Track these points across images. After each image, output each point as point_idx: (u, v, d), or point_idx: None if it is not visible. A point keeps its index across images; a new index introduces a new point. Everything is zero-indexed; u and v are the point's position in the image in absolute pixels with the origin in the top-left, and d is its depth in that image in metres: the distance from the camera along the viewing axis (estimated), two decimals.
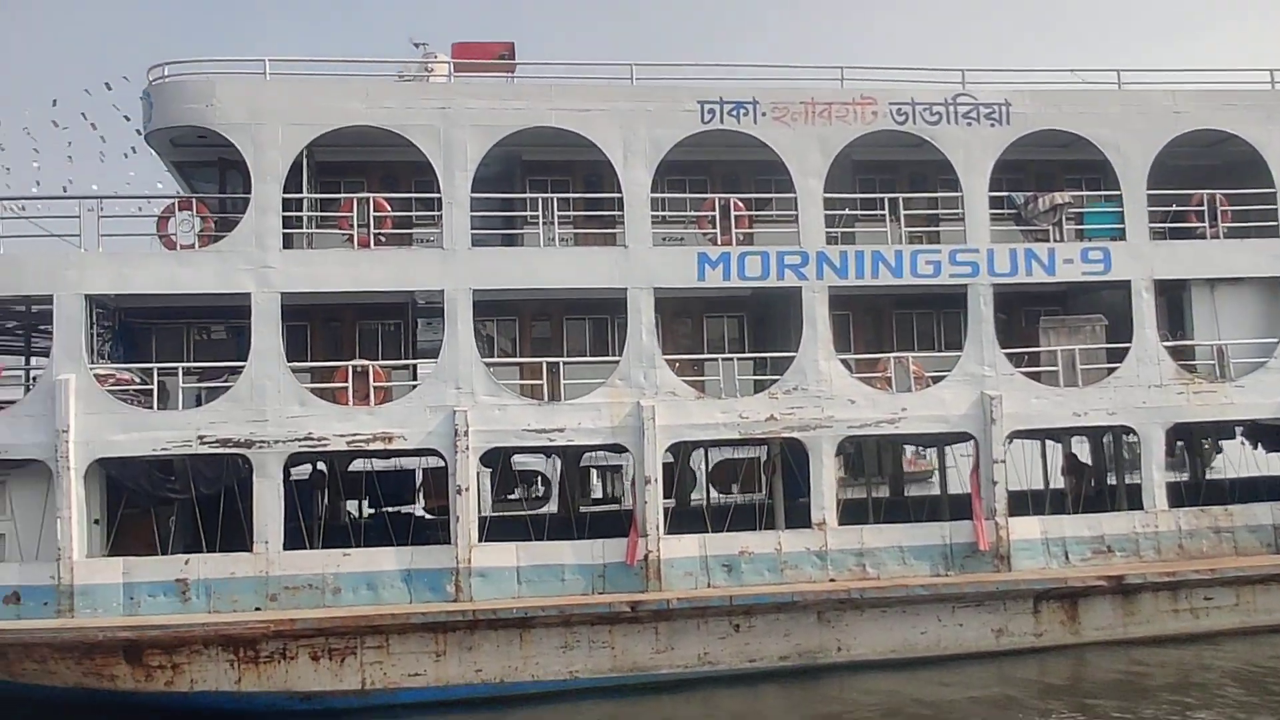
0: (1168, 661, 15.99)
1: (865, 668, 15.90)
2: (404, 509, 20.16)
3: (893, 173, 19.27)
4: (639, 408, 16.10)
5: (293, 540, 15.49)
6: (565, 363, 16.58)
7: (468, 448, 15.66)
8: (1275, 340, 17.88)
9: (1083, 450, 22.53)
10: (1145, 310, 17.51)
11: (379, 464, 19.19)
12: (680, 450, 18.16)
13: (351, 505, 20.46)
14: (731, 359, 16.94)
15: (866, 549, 16.44)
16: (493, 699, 15.07)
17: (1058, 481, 21.60)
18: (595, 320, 18.50)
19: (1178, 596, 16.69)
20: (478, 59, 17.38)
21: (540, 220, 16.57)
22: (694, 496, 22.10)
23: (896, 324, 19.38)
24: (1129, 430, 17.95)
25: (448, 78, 17.04)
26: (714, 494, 21.99)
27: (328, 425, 15.52)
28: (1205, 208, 18.09)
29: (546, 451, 20.11)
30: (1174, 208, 18.26)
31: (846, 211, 17.69)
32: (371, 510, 20.05)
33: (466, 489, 15.61)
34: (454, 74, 17.08)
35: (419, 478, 20.32)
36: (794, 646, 15.86)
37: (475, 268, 16.17)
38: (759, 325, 19.10)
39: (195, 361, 16.62)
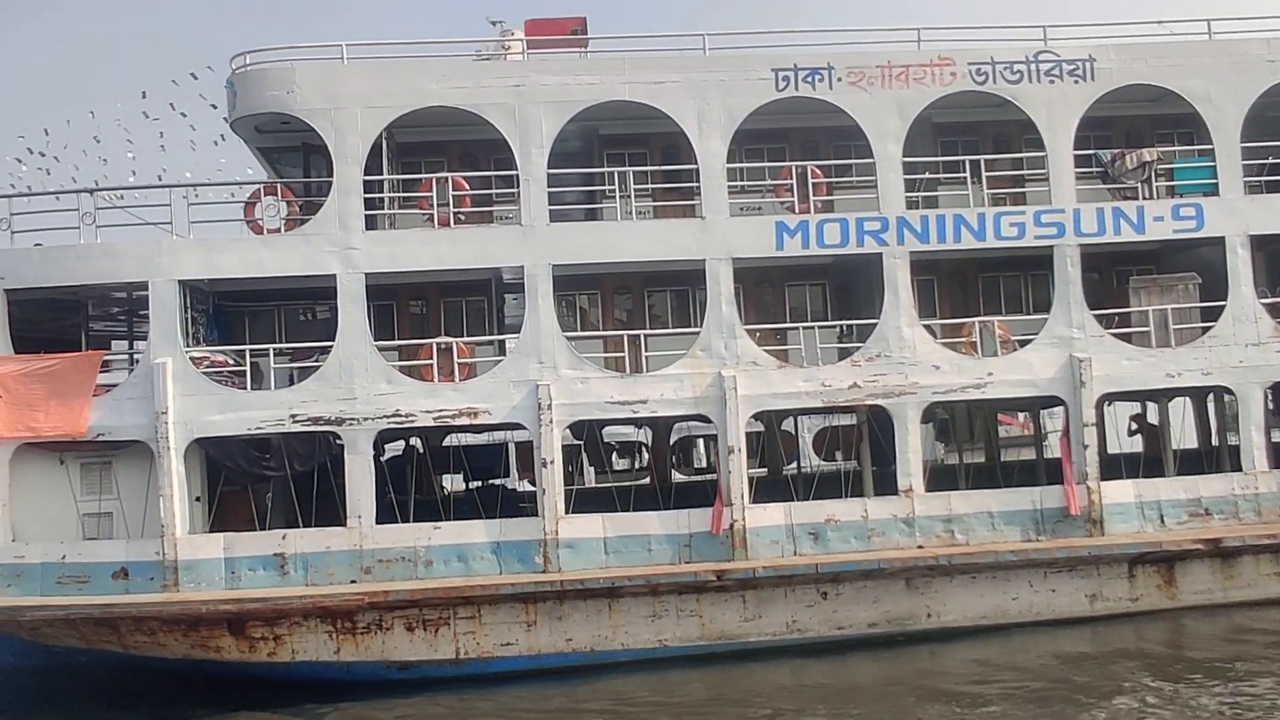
0: (1271, 626, 15.58)
1: (957, 635, 15.78)
2: (496, 482, 20.43)
3: (975, 134, 18.85)
4: (720, 378, 16.09)
5: (391, 514, 15.80)
6: (647, 335, 16.64)
7: (551, 421, 15.82)
8: None
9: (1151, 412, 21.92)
10: (1241, 267, 16.96)
11: (471, 439, 19.46)
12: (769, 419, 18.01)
13: (450, 481, 20.76)
14: (813, 327, 16.81)
15: (955, 515, 16.25)
16: (584, 667, 15.28)
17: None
18: (677, 291, 18.50)
19: (1279, 559, 16.23)
20: (551, 35, 17.42)
21: (616, 194, 16.59)
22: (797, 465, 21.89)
23: (983, 287, 19.02)
24: (1228, 390, 17.42)
25: (521, 55, 17.13)
26: (816, 461, 21.94)
27: (414, 402, 15.79)
28: None
29: (637, 423, 20.13)
30: (1270, 160, 17.61)
31: (927, 175, 17.39)
32: (464, 485, 20.37)
33: (552, 462, 15.77)
34: (527, 51, 17.17)
35: (512, 451, 20.56)
36: (883, 614, 15.78)
37: (554, 243, 16.28)
38: (842, 292, 18.91)
39: (289, 343, 17.04)
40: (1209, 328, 16.96)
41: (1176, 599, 16.14)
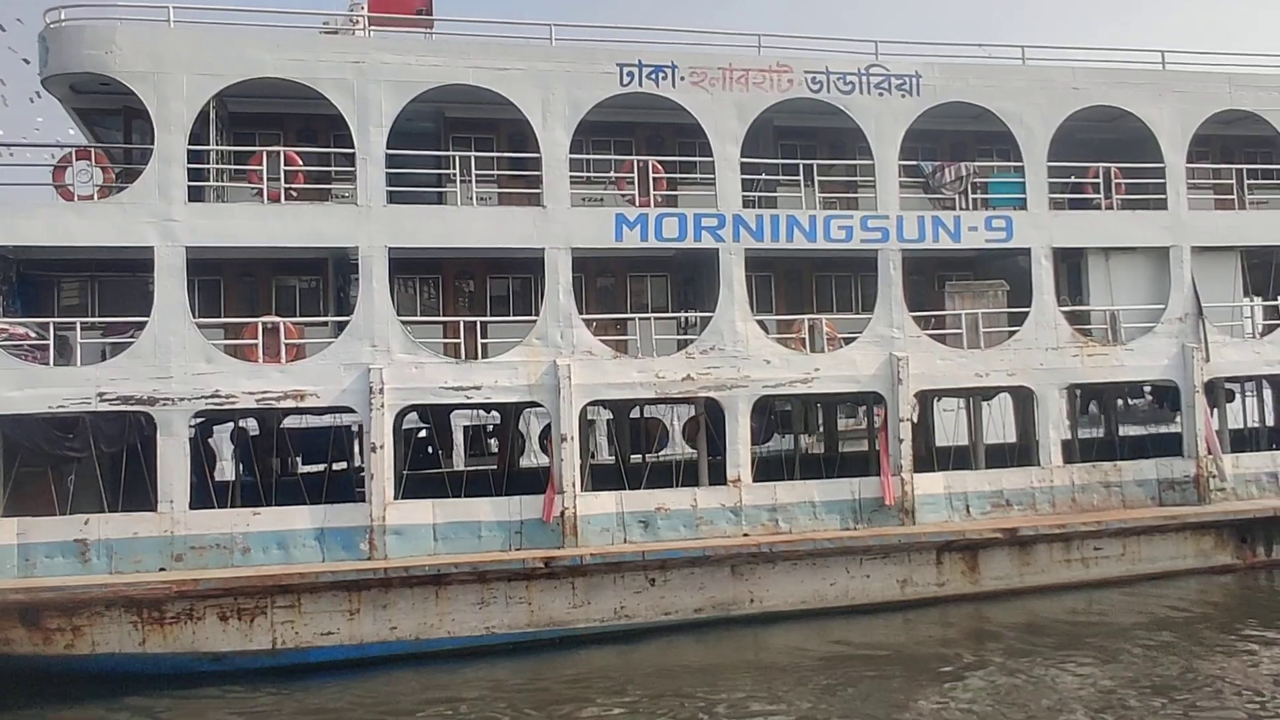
0: (1060, 608, 16.80)
1: (778, 618, 16.33)
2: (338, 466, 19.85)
3: (813, 139, 19.63)
4: (555, 366, 16.17)
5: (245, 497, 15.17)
6: (482, 321, 16.54)
7: (382, 405, 15.52)
8: (1162, 307, 18.86)
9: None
10: (1044, 276, 18.28)
11: (314, 421, 18.84)
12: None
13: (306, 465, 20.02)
14: (649, 318, 17.12)
15: (780, 504, 16.85)
16: (409, 655, 15.03)
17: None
18: (520, 279, 18.47)
19: (1070, 547, 17.52)
20: (396, 13, 17.10)
21: (457, 178, 16.43)
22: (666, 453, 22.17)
23: (817, 286, 19.82)
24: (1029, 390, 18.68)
25: (363, 31, 16.73)
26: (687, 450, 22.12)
27: (235, 383, 15.19)
28: (1101, 180, 18.92)
29: (487, 409, 19.85)
30: (1072, 179, 19.05)
31: (764, 176, 17.98)
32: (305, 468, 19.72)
33: (381, 446, 15.47)
34: (369, 28, 16.78)
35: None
36: (708, 599, 16.19)
37: (390, 225, 15.96)
38: (686, 285, 19.33)
39: (106, 317, 16.08)
40: (1015, 331, 18.21)
41: (979, 584, 17.18)
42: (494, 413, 20.91)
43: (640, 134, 18.77)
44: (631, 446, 21.14)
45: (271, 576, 14.59)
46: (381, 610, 15.03)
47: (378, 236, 15.84)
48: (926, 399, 21.83)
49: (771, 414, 20.17)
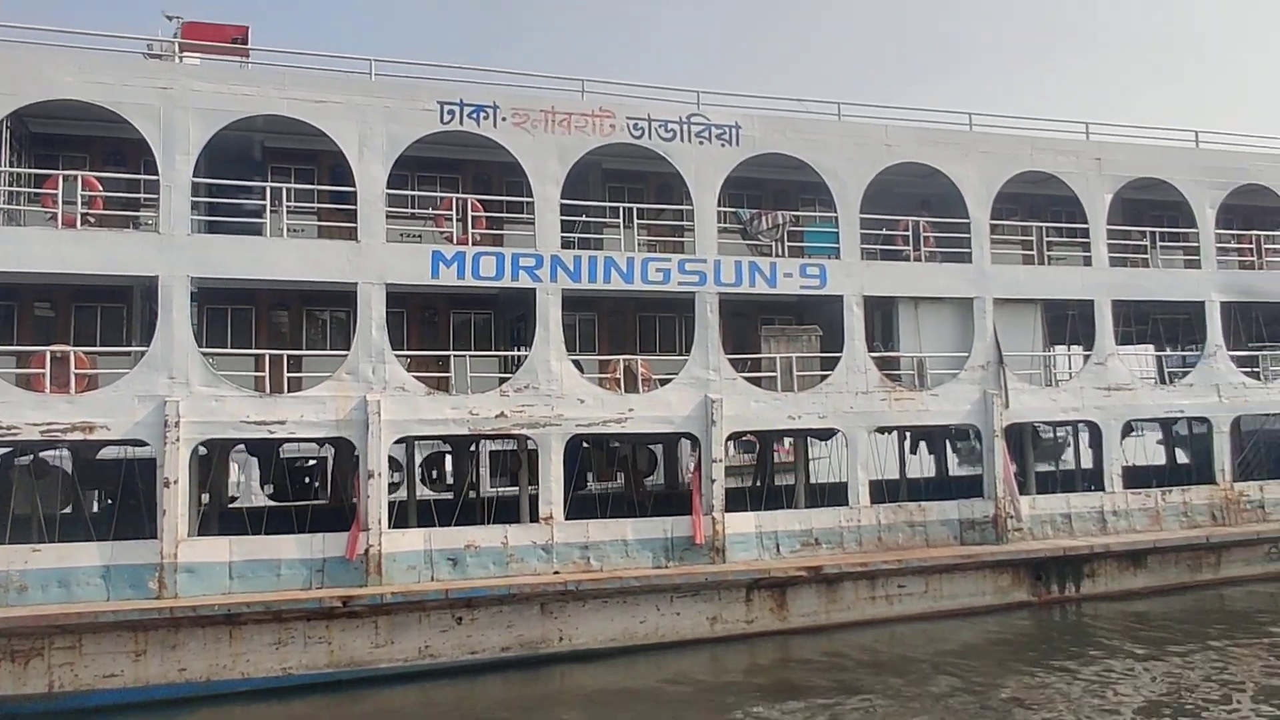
0: (863, 643, 17.33)
1: (588, 656, 16.41)
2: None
3: (641, 182, 20.09)
4: (365, 402, 16.04)
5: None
6: (290, 354, 16.30)
7: (178, 439, 15.11)
8: (966, 354, 19.84)
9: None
10: (855, 323, 19.03)
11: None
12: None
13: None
14: (464, 356, 17.14)
15: (592, 542, 16.99)
16: (199, 697, 14.58)
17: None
18: (337, 312, 18.27)
19: (875, 585, 18.15)
20: (210, 40, 16.86)
21: (266, 209, 16.23)
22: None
23: (640, 327, 20.19)
24: (840, 432, 19.36)
25: (173, 57, 16.44)
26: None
27: (18, 413, 14.57)
28: (910, 233, 19.87)
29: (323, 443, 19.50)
30: (884, 231, 19.96)
31: (587, 218, 18.29)
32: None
33: (175, 481, 15.04)
34: (180, 55, 16.50)
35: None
36: (516, 637, 16.17)
37: (194, 255, 15.62)
38: (519, 323, 19.42)
39: None
40: (827, 375, 18.89)
41: (788, 621, 17.61)
42: (327, 446, 20.56)
43: (467, 171, 18.90)
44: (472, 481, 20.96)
45: (48, 616, 13.96)
46: (170, 651, 14.54)
47: (179, 266, 15.48)
48: (768, 440, 22.52)
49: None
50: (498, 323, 19.47)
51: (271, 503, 24.44)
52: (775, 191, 20.82)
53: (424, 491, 21.27)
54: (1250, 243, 23.03)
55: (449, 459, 23.04)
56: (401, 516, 17.63)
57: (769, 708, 14.12)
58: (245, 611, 14.72)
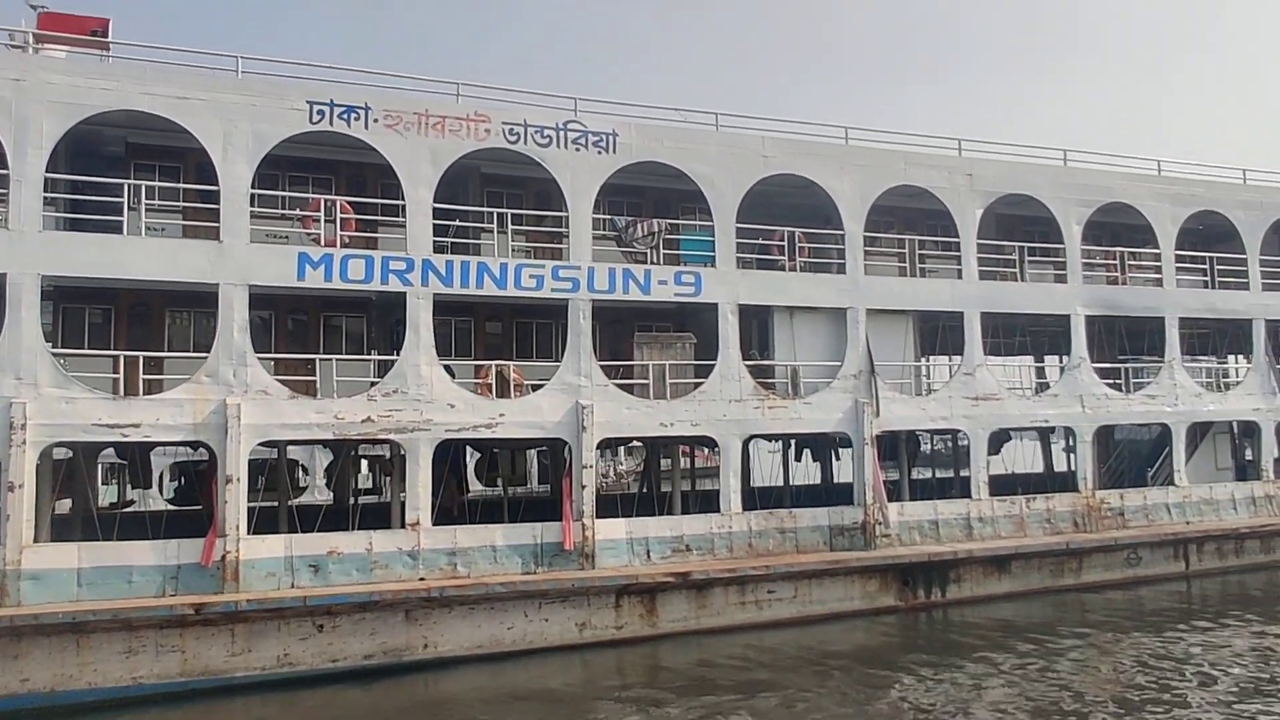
0: (732, 648, 17.57)
1: (455, 663, 16.35)
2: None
3: (520, 188, 20.10)
4: (224, 405, 15.76)
5: None
6: (146, 356, 15.95)
7: (24, 442, 14.66)
8: (839, 364, 20.30)
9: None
10: (730, 331, 19.32)
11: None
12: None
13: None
14: (329, 359, 16.96)
15: (459, 548, 16.94)
16: (43, 709, 14.16)
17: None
18: (200, 314, 17.90)
19: (745, 590, 18.43)
20: (69, 32, 16.41)
21: (125, 206, 15.85)
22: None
23: (518, 333, 20.20)
24: (713, 441, 19.62)
25: (26, 48, 15.97)
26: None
27: None
28: (785, 243, 20.26)
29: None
30: (760, 241, 20.30)
31: (460, 222, 18.25)
32: None
33: (20, 486, 14.59)
34: (33, 45, 16.03)
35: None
36: (380, 645, 16.03)
37: (47, 252, 15.20)
38: (398, 326, 19.17)
39: None
40: (701, 383, 19.14)
41: (657, 627, 17.78)
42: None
43: (342, 172, 18.70)
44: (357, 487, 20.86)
45: None
46: (12, 661, 14.10)
47: (29, 264, 15.04)
48: (655, 448, 22.73)
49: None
50: (376, 326, 19.28)
51: (170, 507, 24.00)
52: (657, 199, 21.06)
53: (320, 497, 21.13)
54: (1115, 259, 24.00)
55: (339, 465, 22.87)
56: (272, 522, 17.42)
57: (636, 712, 14.25)
58: (92, 619, 14.34)
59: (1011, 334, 25.91)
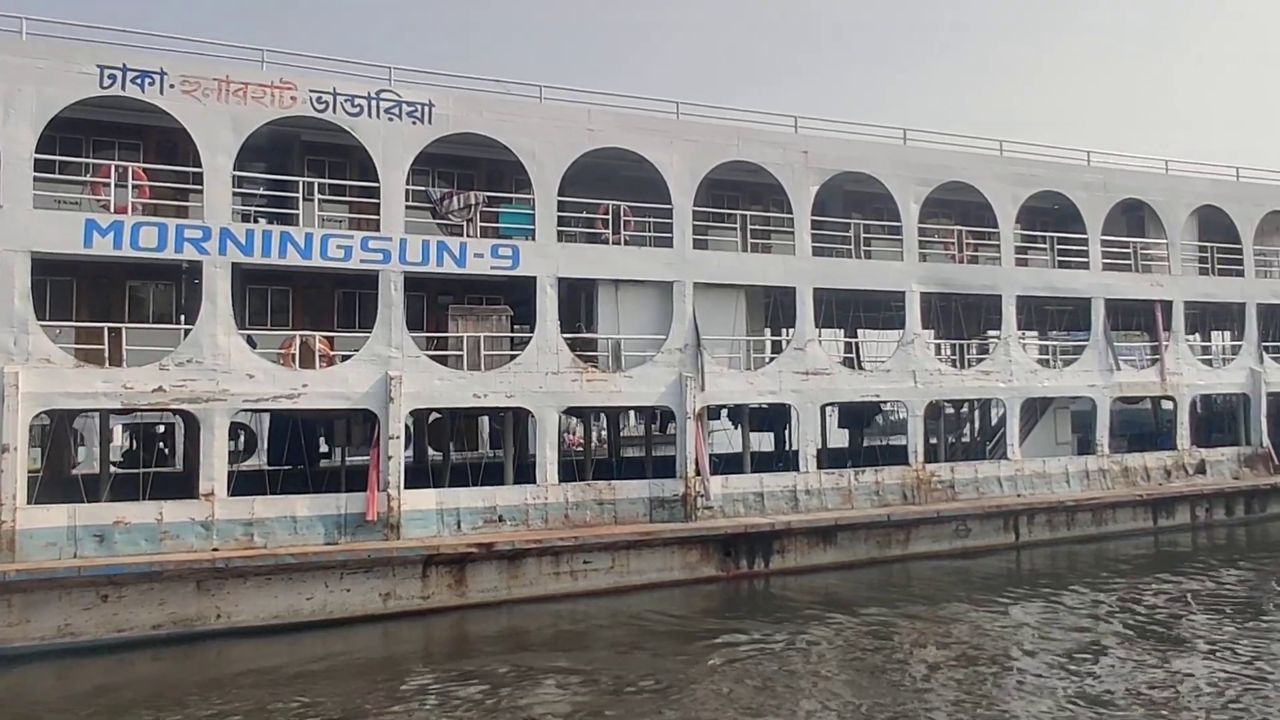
0: (543, 617, 17.77)
1: (249, 634, 16.29)
2: None
3: (343, 156, 19.86)
4: (2, 373, 15.48)
5: None
6: None
7: None
8: (664, 337, 20.43)
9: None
10: (548, 304, 19.34)
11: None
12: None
13: None
14: (119, 327, 16.72)
15: (257, 519, 16.87)
16: None
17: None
18: None
19: (559, 561, 18.58)
20: None
21: None
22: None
23: (340, 303, 20.06)
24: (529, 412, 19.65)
25: None
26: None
27: None
28: (610, 216, 20.30)
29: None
30: (584, 214, 20.32)
31: (262, 191, 18.05)
32: None
33: None
34: None
35: None
36: (169, 615, 15.95)
37: None
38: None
39: None
40: (517, 355, 19.17)
41: (466, 597, 17.86)
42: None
43: (151, 138, 18.36)
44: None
45: None
46: None
47: None
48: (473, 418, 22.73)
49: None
50: (188, 295, 19.00)
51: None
52: (491, 171, 20.95)
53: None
54: (952, 237, 24.39)
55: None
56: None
57: (436, 679, 14.33)
58: None
59: (876, 309, 26.24)
